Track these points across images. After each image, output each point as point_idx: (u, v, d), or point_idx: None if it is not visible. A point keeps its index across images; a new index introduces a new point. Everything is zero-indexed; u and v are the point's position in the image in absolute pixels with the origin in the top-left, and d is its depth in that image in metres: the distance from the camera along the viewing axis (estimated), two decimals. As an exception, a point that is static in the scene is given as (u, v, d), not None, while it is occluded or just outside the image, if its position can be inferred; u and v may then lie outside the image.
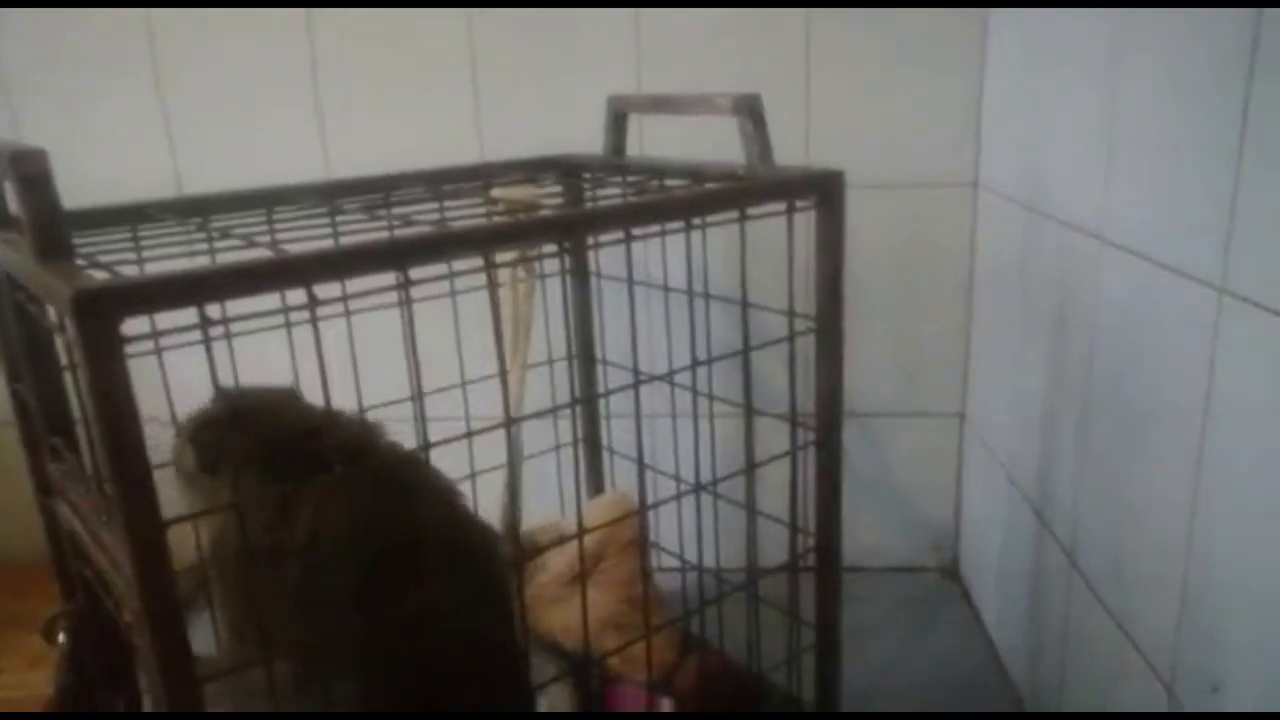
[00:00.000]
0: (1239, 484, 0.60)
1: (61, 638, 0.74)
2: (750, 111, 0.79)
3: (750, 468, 0.84)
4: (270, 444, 0.68)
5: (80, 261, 0.55)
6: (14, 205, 0.58)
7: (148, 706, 0.71)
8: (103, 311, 0.47)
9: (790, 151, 1.12)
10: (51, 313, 0.57)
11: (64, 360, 0.67)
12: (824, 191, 0.76)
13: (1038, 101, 0.95)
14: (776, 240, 0.76)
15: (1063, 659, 0.90)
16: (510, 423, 0.80)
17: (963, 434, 1.25)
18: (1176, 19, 0.66)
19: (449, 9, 1.14)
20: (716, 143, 0.86)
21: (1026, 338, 0.99)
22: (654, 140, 1.13)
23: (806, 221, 0.78)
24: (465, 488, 0.99)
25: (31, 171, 0.49)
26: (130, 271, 0.60)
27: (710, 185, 0.78)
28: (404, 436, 0.70)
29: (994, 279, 1.13)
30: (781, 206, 0.76)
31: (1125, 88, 0.74)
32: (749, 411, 0.83)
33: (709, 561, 0.93)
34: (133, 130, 1.20)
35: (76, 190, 0.62)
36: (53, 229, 0.51)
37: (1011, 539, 1.06)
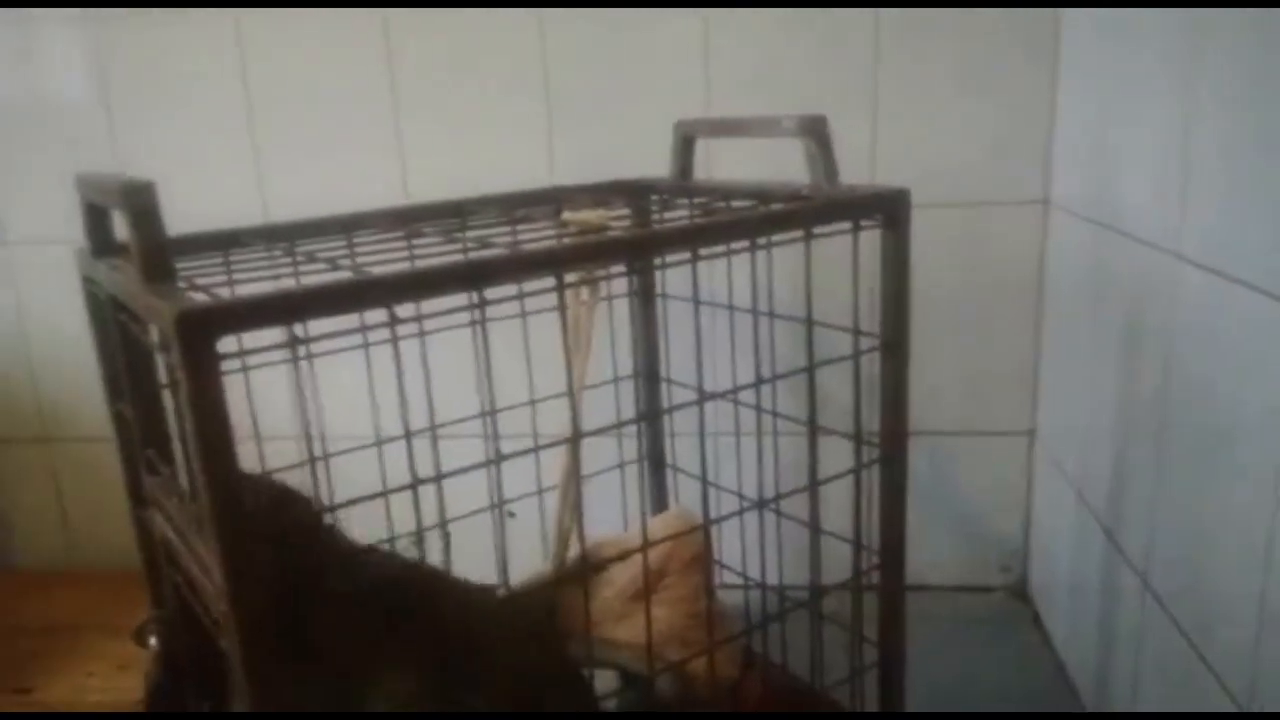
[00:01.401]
0: (1319, 505, 0.58)
1: (153, 641, 0.78)
2: (816, 133, 0.80)
3: (814, 484, 0.84)
4: None
5: (180, 284, 0.59)
6: (120, 233, 0.62)
7: (236, 708, 0.74)
8: (203, 330, 0.50)
9: (857, 170, 1.12)
10: (154, 332, 0.61)
11: (163, 378, 0.70)
12: (889, 211, 0.77)
13: (1111, 117, 0.94)
14: (842, 258, 0.77)
15: (1135, 681, 0.88)
16: (575, 439, 0.82)
17: (1032, 452, 1.23)
18: (1252, 30, 0.66)
19: (524, 38, 1.18)
20: (783, 163, 0.87)
21: (1098, 356, 0.98)
22: (721, 162, 1.15)
23: (873, 239, 0.78)
24: (532, 503, 1.02)
25: (141, 203, 0.53)
26: (224, 293, 0.64)
27: (775, 206, 0.79)
28: (473, 454, 0.72)
29: (1065, 296, 1.11)
30: (847, 225, 0.77)
31: (1200, 101, 0.73)
32: (813, 428, 0.84)
33: (771, 578, 0.93)
34: (225, 159, 1.26)
35: (172, 216, 0.66)
36: (158, 256, 0.55)
37: (1082, 559, 1.04)
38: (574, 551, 0.97)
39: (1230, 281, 0.68)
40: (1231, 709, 0.68)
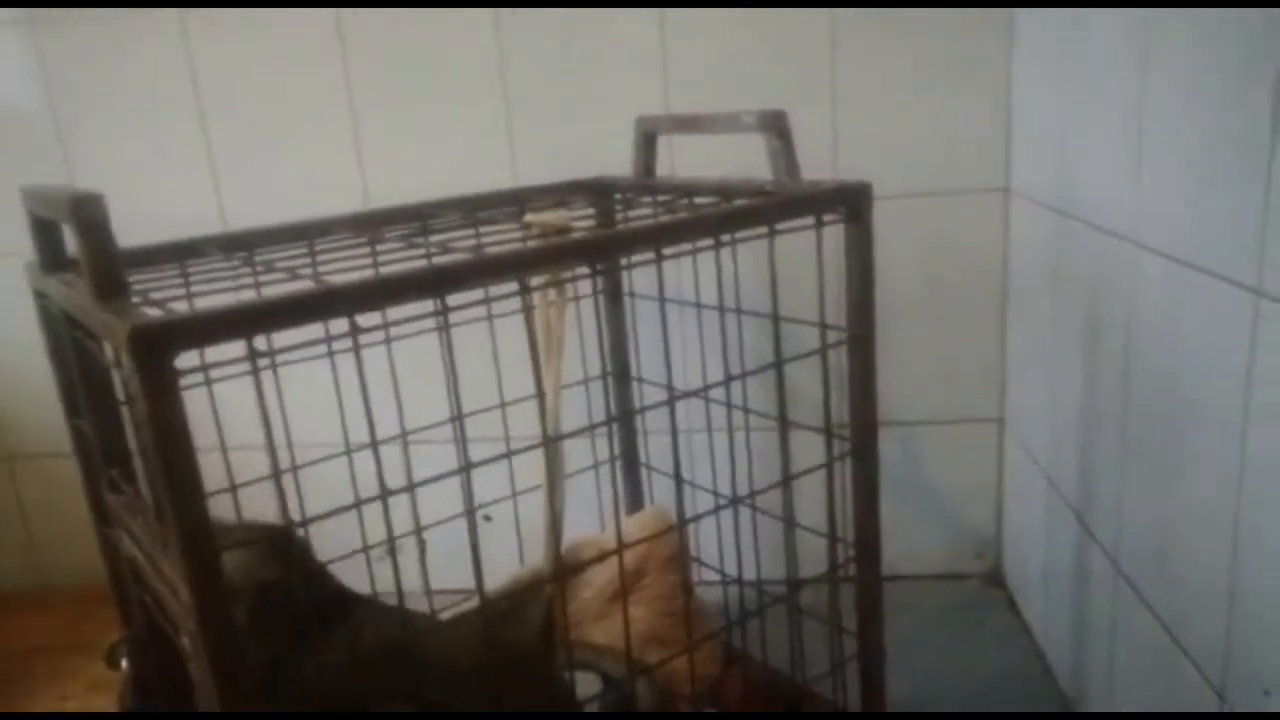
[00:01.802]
0: (1282, 485, 0.59)
1: (124, 663, 0.76)
2: (776, 128, 0.80)
3: (786, 480, 0.84)
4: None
5: (135, 299, 0.58)
6: (71, 247, 0.60)
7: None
8: (158, 347, 0.49)
9: (819, 164, 1.12)
10: (109, 349, 0.59)
11: (120, 395, 0.69)
12: (852, 204, 0.77)
13: (1067, 105, 0.95)
14: (807, 252, 0.77)
15: (1110, 665, 0.89)
16: (548, 442, 0.82)
17: (1002, 440, 1.24)
18: (1203, 18, 0.66)
19: (480, 38, 1.17)
20: (745, 158, 0.87)
21: (1063, 342, 0.99)
22: (684, 157, 1.15)
23: (837, 233, 0.79)
24: (507, 506, 1.01)
25: (90, 217, 0.52)
26: (181, 307, 0.63)
27: (739, 202, 0.79)
28: (446, 458, 0.71)
29: (1029, 284, 1.12)
30: (810, 220, 0.77)
31: (1154, 89, 0.74)
32: (784, 424, 0.84)
33: (749, 574, 0.93)
34: (178, 166, 1.24)
35: (126, 226, 0.64)
36: (109, 270, 0.53)
37: (1054, 544, 1.05)
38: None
39: (1188, 268, 0.69)
40: (1205, 689, 0.69)
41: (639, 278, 1.05)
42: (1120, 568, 0.85)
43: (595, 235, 0.78)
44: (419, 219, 0.89)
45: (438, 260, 0.66)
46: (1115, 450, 0.85)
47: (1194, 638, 0.72)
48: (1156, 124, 0.74)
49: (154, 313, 0.53)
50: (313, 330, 0.61)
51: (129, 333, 0.48)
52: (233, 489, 0.84)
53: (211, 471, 0.54)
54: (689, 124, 0.94)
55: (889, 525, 0.86)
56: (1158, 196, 0.75)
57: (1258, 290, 0.60)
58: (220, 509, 0.68)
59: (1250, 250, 0.60)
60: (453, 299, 0.61)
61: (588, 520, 1.10)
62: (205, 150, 1.23)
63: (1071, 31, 0.92)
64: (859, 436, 0.82)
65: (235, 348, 0.55)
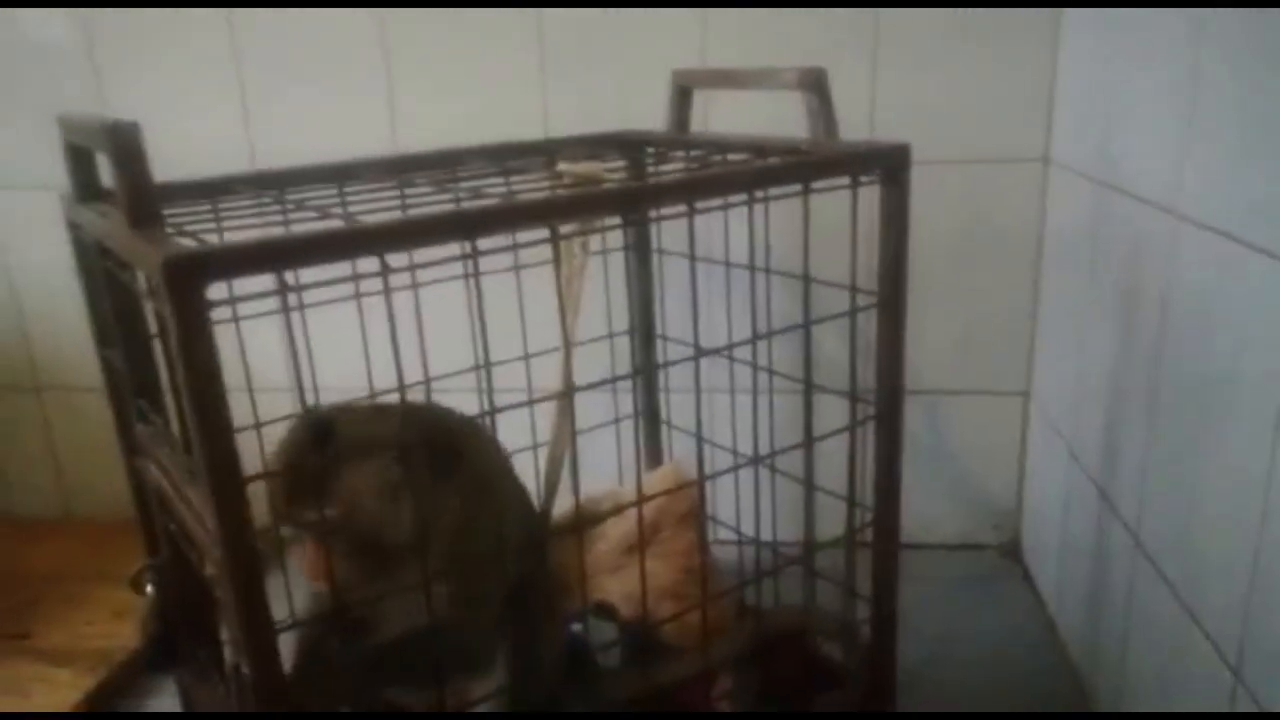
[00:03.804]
0: (1314, 465, 0.58)
1: (149, 589, 0.78)
2: (816, 86, 0.79)
3: (809, 441, 0.84)
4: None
5: (169, 230, 0.58)
6: (105, 178, 0.61)
7: (228, 656, 0.74)
8: (191, 275, 0.49)
9: (856, 126, 1.10)
10: (141, 279, 0.60)
11: (151, 326, 0.70)
12: (889, 166, 0.76)
13: (1114, 73, 0.93)
14: (839, 215, 0.76)
15: (1124, 640, 0.89)
16: (569, 393, 0.82)
17: (1027, 413, 1.23)
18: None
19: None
20: (781, 118, 0.86)
21: (1095, 316, 0.97)
22: (718, 115, 1.13)
23: (871, 196, 0.77)
24: (527, 457, 1.02)
25: (126, 144, 0.52)
26: (213, 240, 0.63)
27: (773, 159, 0.78)
28: (466, 407, 0.72)
29: (1063, 256, 1.10)
30: (845, 181, 0.76)
31: (1208, 57, 0.72)
32: (809, 385, 0.83)
33: (765, 535, 0.93)
34: (210, 104, 1.24)
35: (158, 162, 0.64)
36: (144, 199, 0.54)
37: (1074, 518, 1.05)
38: (566, 504, 0.97)
39: (1233, 241, 0.68)
40: (1219, 665, 0.69)
41: (667, 235, 1.04)
42: (1140, 541, 0.84)
43: (628, 186, 0.77)
44: (449, 165, 0.88)
45: (468, 204, 0.66)
46: (1142, 425, 0.84)
47: (1211, 614, 0.71)
48: (1208, 92, 0.72)
49: (187, 243, 0.53)
50: (340, 272, 0.61)
51: (163, 260, 0.48)
52: (257, 426, 0.85)
53: (236, 412, 0.55)
54: (726, 79, 0.93)
55: (907, 493, 0.86)
56: (1206, 168, 0.73)
57: (1302, 266, 0.59)
58: (243, 447, 0.69)
59: (1297, 225, 0.59)
60: (482, 244, 0.61)
61: (606, 475, 1.11)
62: (239, 91, 1.23)
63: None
64: (884, 402, 0.82)
65: (262, 287, 0.56)
